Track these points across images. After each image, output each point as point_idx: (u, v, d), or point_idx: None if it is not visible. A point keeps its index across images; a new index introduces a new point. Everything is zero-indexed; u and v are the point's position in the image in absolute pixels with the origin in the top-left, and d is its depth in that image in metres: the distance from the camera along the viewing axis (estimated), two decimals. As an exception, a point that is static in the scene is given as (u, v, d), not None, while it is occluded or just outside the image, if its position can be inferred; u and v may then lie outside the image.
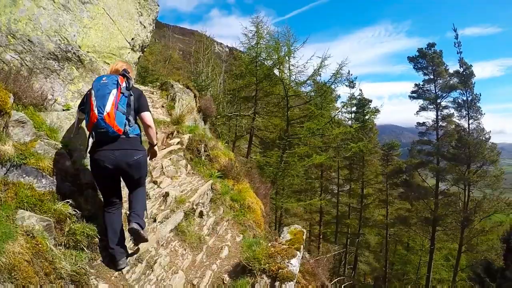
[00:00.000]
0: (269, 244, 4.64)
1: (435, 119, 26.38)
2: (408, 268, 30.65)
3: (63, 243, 3.27)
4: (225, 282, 4.26)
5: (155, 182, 5.49)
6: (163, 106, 9.66)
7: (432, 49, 26.64)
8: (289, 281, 3.73)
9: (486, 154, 22.77)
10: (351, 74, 28.65)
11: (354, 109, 29.66)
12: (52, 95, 4.42)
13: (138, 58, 6.60)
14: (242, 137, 22.28)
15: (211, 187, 6.23)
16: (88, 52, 4.97)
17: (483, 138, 23.66)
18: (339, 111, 24.37)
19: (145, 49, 6.80)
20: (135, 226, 3.58)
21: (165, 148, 6.73)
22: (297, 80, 17.64)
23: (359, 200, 30.35)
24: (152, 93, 10.32)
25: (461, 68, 25.02)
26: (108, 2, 5.31)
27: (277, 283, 3.75)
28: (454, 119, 25.82)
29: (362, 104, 29.18)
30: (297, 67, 17.27)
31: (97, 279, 3.38)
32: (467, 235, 23.54)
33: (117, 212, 3.78)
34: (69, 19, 4.68)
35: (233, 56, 24.70)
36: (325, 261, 7.20)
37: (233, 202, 6.40)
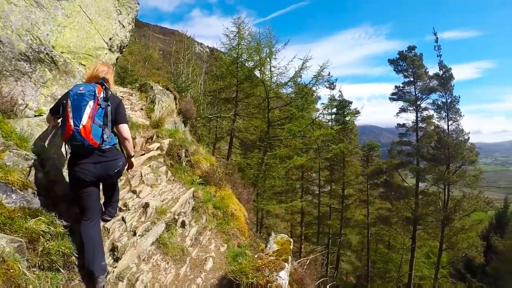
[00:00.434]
0: (256, 256, 4.46)
1: (415, 121, 26.81)
2: (390, 266, 31.03)
3: (37, 265, 2.98)
4: (211, 298, 4.06)
5: (134, 192, 5.19)
6: (142, 109, 9.33)
7: (412, 52, 27.07)
8: (279, 296, 3.55)
9: (465, 154, 23.14)
10: (331, 76, 28.94)
11: (334, 110, 29.90)
12: (23, 100, 4.13)
13: (116, 59, 6.32)
14: (222, 139, 22.04)
15: (193, 195, 6.00)
16: (62, 52, 4.68)
17: (462, 139, 24.06)
18: (321, 113, 24.40)
19: (123, 50, 6.51)
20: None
21: (144, 154, 6.43)
22: (278, 82, 17.49)
23: (340, 201, 30.59)
24: (131, 95, 9.99)
25: (441, 71, 25.45)
26: (85, -1, 5.02)
27: (266, 298, 3.56)
28: (433, 121, 26.21)
29: (342, 106, 29.50)
30: (278, 69, 17.11)
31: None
32: (447, 233, 23.96)
33: (95, 225, 3.60)
34: (42, 17, 4.40)
35: (213, 57, 24.42)
36: (312, 269, 7.03)
37: (215, 210, 6.18)
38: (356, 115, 27.35)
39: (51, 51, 4.44)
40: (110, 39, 5.63)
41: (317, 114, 22.24)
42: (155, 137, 7.26)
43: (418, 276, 27.67)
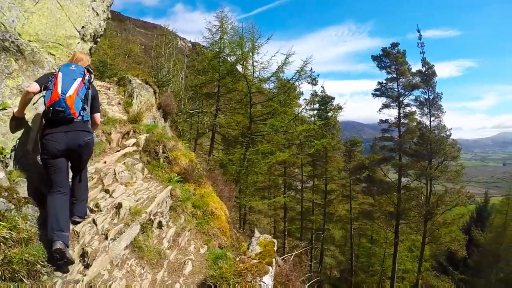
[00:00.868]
0: (238, 259, 4.20)
1: (397, 116, 26.95)
2: (373, 260, 31.34)
3: (-3, 275, 2.65)
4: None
5: (106, 191, 4.84)
6: (119, 103, 9.00)
7: (395, 48, 27.18)
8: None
9: (447, 150, 23.48)
10: (314, 71, 28.84)
11: (316, 106, 29.99)
12: (-15, 92, 3.79)
13: (90, 50, 5.96)
14: (204, 135, 21.73)
15: (170, 194, 5.65)
16: (29, 41, 4.34)
17: (444, 135, 24.38)
18: (303, 108, 24.35)
19: (98, 40, 6.14)
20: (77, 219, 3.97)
21: (120, 150, 6.09)
22: (260, 77, 17.36)
23: (322, 196, 30.80)
24: (109, 89, 9.65)
25: (424, 68, 25.72)
26: (54, -17, 4.68)
27: (248, 307, 3.33)
28: (416, 117, 26.53)
29: (325, 101, 29.58)
30: (261, 63, 16.98)
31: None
32: (430, 228, 24.35)
33: (61, 197, 3.64)
34: (8, 2, 4.09)
35: (195, 51, 24.03)
36: (296, 265, 6.81)
37: (195, 209, 5.85)
38: (339, 110, 27.62)
39: (17, 39, 4.11)
40: (82, 27, 5.27)
41: (300, 110, 22.18)
42: (132, 132, 6.92)
43: (401, 269, 28.10)
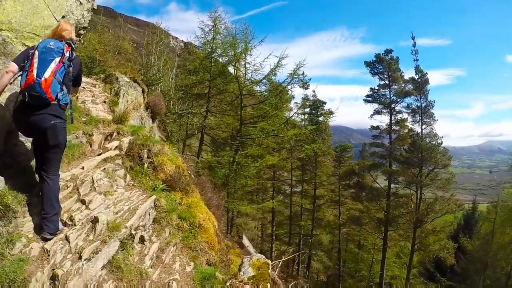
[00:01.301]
0: (228, 284, 3.73)
1: (389, 123, 26.96)
2: (361, 266, 31.12)
3: None
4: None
5: (82, 202, 4.28)
6: (105, 102, 8.46)
7: (389, 55, 27.18)
8: None
9: (439, 158, 23.53)
10: (305, 75, 28.52)
11: (307, 110, 29.64)
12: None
13: (72, 42, 5.43)
14: (193, 136, 21.26)
15: (154, 204, 5.13)
16: (1, 30, 3.84)
17: (436, 143, 24.38)
18: (295, 112, 24.06)
19: (80, 32, 5.62)
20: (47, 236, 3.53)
21: (101, 154, 5.54)
22: (252, 79, 17.05)
23: (311, 201, 30.64)
24: (94, 86, 9.11)
25: (417, 75, 25.74)
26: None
27: None
28: (407, 124, 26.56)
29: (316, 106, 29.44)
30: (253, 65, 16.65)
31: None
32: (419, 235, 24.40)
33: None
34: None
35: (187, 51, 23.58)
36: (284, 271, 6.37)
37: (181, 221, 5.31)
38: (330, 115, 27.27)
39: (-14, 27, 3.62)
40: (63, 17, 4.75)
41: (291, 114, 21.87)
42: (115, 134, 6.36)
43: (389, 275, 28.09)
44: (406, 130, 26.51)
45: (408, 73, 27.26)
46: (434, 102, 25.31)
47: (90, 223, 3.93)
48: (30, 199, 3.86)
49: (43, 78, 3.40)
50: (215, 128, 20.22)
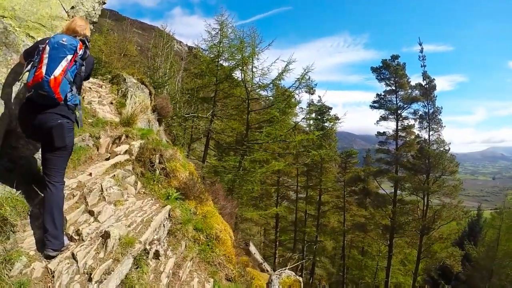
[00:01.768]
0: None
1: (395, 129, 26.95)
2: (365, 272, 30.95)
3: None
4: None
5: (91, 213, 3.81)
6: (111, 103, 8.13)
7: (395, 61, 27.24)
8: None
9: (446, 165, 23.37)
10: (312, 80, 28.30)
11: (313, 115, 29.31)
12: None
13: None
14: (198, 140, 20.93)
15: (169, 215, 4.67)
16: (3, 17, 3.40)
17: (443, 149, 24.21)
18: (304, 118, 23.73)
19: (90, 26, 5.18)
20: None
21: (109, 158, 5.06)
22: (260, 83, 16.73)
23: (316, 207, 30.49)
24: (101, 87, 8.83)
25: (424, 81, 25.67)
26: None
27: None
28: (414, 130, 26.54)
29: (322, 111, 29.25)
30: (261, 69, 16.34)
31: None
32: (425, 242, 24.22)
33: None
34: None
35: (193, 54, 23.33)
36: None
37: (197, 233, 4.88)
38: (336, 121, 27.12)
39: (-13, 14, 3.21)
40: (72, 7, 4.30)
41: (300, 119, 21.56)
42: (124, 137, 5.89)
43: (393, 282, 28.01)
44: (413, 137, 26.52)
45: (413, 79, 27.46)
46: (442, 108, 25.28)
47: (100, 238, 3.46)
48: (31, 210, 3.35)
49: (52, 76, 3.13)
50: (221, 132, 19.92)
